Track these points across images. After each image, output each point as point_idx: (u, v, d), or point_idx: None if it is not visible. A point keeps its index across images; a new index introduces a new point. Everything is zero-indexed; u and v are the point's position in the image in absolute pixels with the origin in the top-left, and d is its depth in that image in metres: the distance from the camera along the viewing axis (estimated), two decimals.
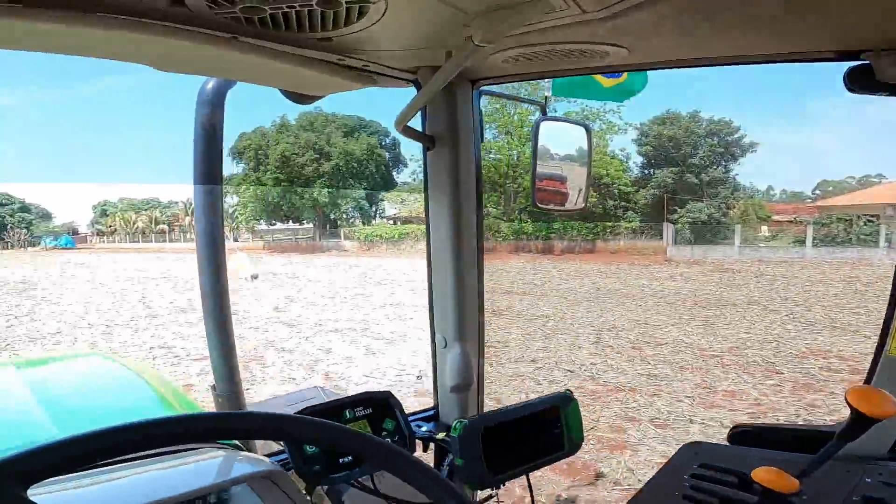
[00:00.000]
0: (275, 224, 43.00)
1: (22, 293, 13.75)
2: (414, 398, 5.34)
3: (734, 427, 1.13)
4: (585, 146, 1.19)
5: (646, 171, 28.76)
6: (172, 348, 7.52)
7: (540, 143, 1.15)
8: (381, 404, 1.04)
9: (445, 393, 1.24)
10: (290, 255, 28.81)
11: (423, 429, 1.16)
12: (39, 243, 50.76)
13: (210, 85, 1.01)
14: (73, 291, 13.84)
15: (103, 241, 53.98)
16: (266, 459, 0.94)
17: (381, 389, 1.09)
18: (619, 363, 6.75)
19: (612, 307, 10.77)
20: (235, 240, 40.19)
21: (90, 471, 0.80)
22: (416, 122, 1.11)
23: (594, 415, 4.88)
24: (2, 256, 38.59)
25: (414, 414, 1.29)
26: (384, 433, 1.02)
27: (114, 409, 1.42)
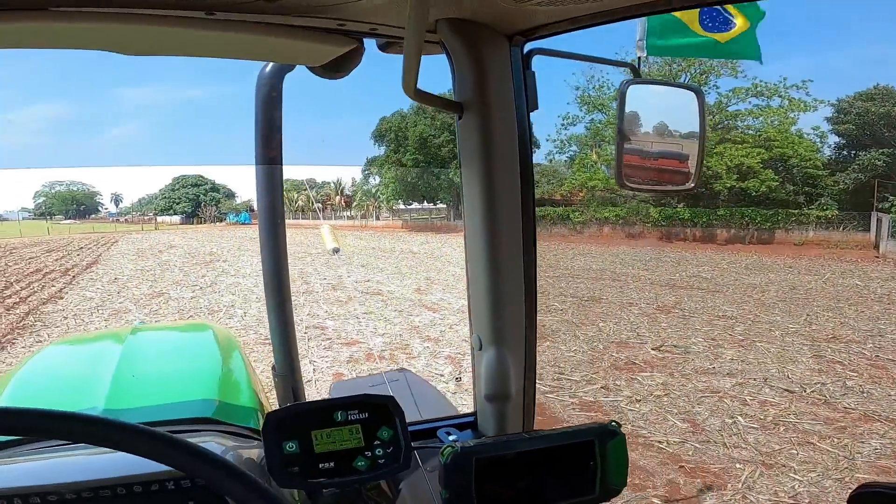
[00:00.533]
0: (411, 204, 45.11)
1: (207, 265, 15.75)
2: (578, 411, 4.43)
3: None
4: (692, 114, 1.00)
5: (843, 153, 24.44)
6: (325, 329, 7.53)
7: (635, 111, 0.97)
8: (379, 410, 0.89)
9: (483, 401, 1.07)
10: (426, 234, 29.58)
11: (452, 437, 1.07)
12: (225, 219, 59.83)
13: (268, 69, 1.07)
14: (247, 265, 15.22)
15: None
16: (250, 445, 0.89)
17: (385, 394, 0.91)
18: (861, 384, 5.12)
19: (820, 312, 8.51)
20: (377, 218, 42.82)
21: (64, 444, 0.88)
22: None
23: (844, 451, 3.63)
24: (196, 230, 46.68)
25: (449, 419, 1.18)
26: (377, 443, 0.86)
27: (166, 380, 1.43)
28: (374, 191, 44.86)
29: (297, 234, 29.28)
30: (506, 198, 0.96)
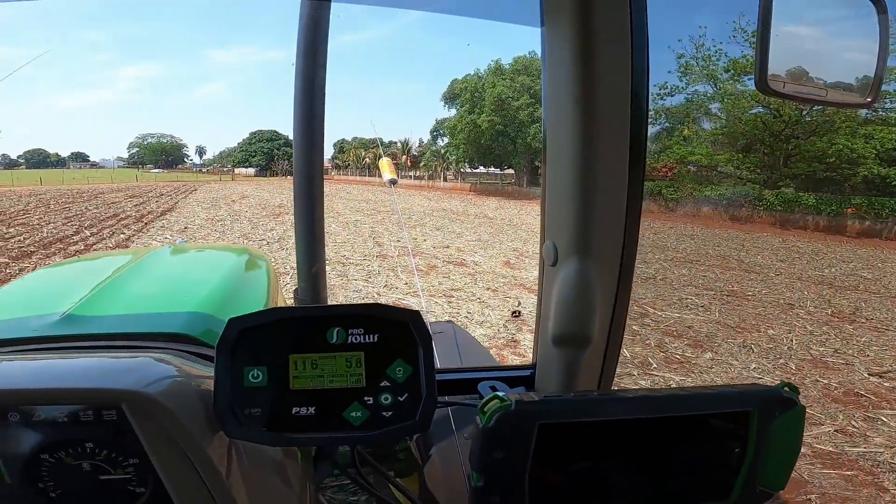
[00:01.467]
0: (477, 168, 43.54)
1: (276, 217, 15.10)
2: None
3: None
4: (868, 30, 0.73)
5: None
6: (395, 287, 6.42)
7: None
8: (395, 333, 0.58)
9: (547, 344, 0.82)
10: (497, 199, 27.83)
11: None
12: None
13: (307, 32, 1.01)
14: None
15: (339, 173, 64.35)
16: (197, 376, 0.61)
17: (408, 308, 0.60)
18: None
19: None
20: (444, 179, 41.51)
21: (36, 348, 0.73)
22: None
23: None
24: (269, 182, 47.83)
25: (495, 369, 0.95)
26: (385, 384, 0.58)
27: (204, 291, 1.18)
28: (442, 151, 43.66)
29: (364, 191, 28.79)
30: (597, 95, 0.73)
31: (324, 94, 0.99)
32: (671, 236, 14.20)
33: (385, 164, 1.42)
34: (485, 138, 35.17)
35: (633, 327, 5.42)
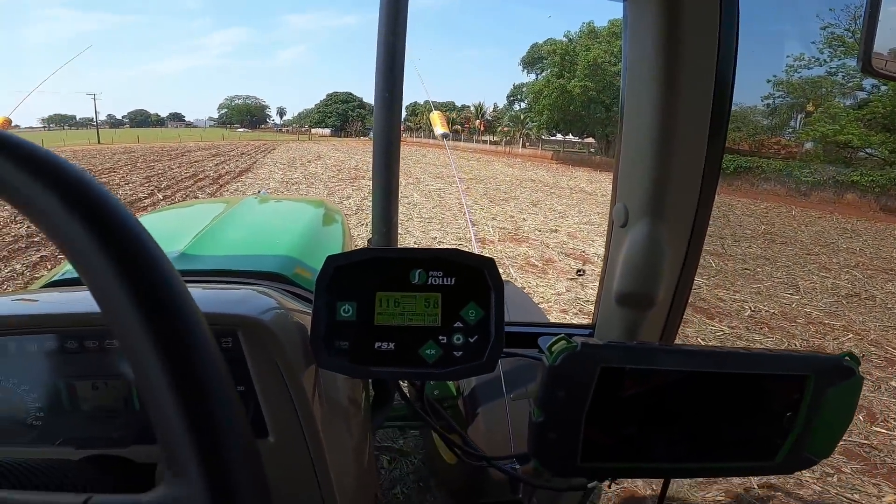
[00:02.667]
0: (555, 135, 40.44)
1: (353, 182, 14.03)
2: None
3: None
4: None
5: None
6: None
7: None
8: (470, 277, 0.62)
9: (610, 304, 0.84)
10: (584, 169, 25.16)
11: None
12: (368, 135, 62.83)
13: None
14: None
15: (412, 136, 63.66)
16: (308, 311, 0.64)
17: (483, 255, 0.62)
18: None
19: None
20: (522, 146, 38.87)
21: None
22: None
23: None
24: (343, 143, 47.73)
25: (553, 325, 0.99)
26: (458, 325, 0.61)
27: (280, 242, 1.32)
28: (521, 117, 40.82)
29: (440, 155, 27.23)
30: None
31: (403, 58, 1.01)
32: (822, 231, 11.33)
33: (436, 118, 1.36)
34: (575, 104, 32.22)
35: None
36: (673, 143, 0.74)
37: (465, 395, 1.17)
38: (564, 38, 33.60)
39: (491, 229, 8.06)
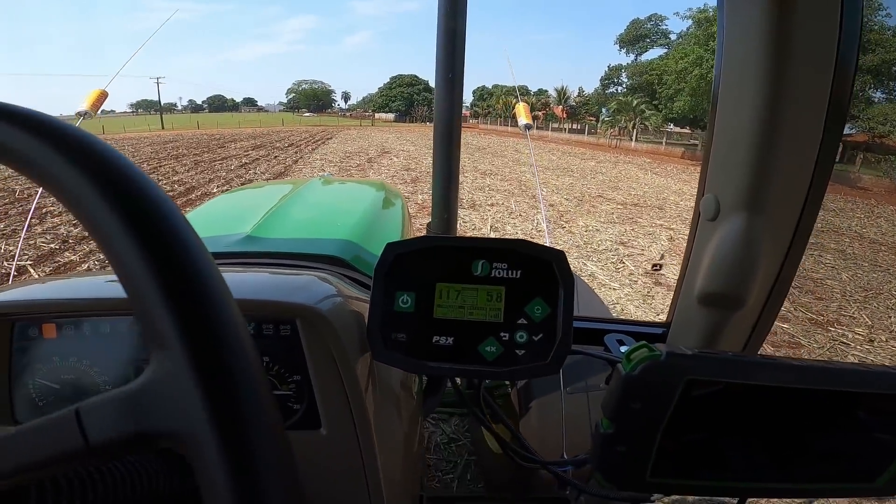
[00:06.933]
0: (669, 126, 33.68)
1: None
2: None
3: None
4: None
5: None
6: None
7: None
8: (538, 270, 0.58)
9: (690, 303, 0.77)
10: None
11: (624, 348, 0.69)
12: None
13: None
14: (484, 199, 8.90)
15: (482, 122, 58.70)
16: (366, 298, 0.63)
17: (553, 248, 0.59)
18: None
19: None
20: (633, 139, 32.45)
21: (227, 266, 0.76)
22: None
23: None
24: (409, 130, 43.74)
25: (623, 322, 0.93)
26: (521, 321, 0.58)
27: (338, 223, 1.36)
28: (634, 103, 33.82)
29: (523, 145, 22.25)
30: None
31: (464, 40, 0.95)
32: None
33: (521, 109, 1.33)
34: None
35: None
36: (781, 132, 0.66)
37: (518, 387, 1.06)
38: (704, 8, 26.65)
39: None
